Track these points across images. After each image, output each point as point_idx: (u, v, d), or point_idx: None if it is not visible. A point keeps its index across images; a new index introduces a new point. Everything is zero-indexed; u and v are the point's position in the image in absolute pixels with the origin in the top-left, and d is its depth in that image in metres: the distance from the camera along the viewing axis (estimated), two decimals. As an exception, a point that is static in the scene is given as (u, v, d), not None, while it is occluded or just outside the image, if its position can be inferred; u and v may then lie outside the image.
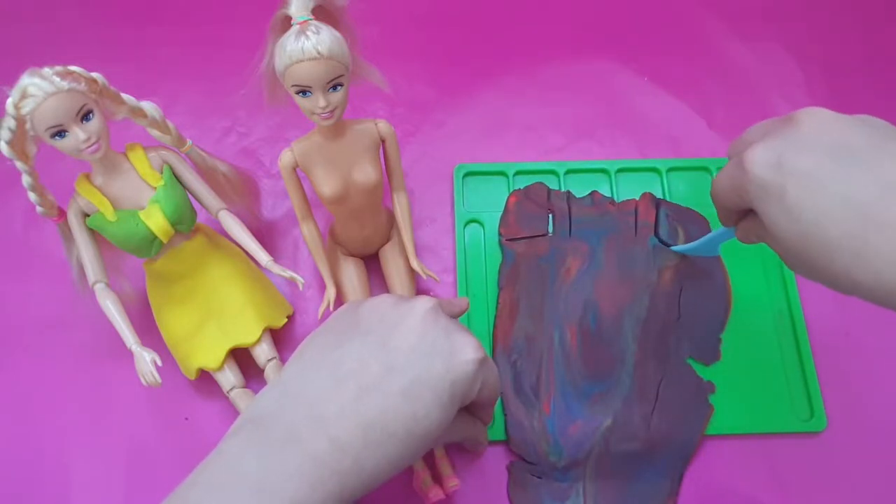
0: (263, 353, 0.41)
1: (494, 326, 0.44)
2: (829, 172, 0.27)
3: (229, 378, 0.41)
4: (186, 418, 0.43)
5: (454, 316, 0.38)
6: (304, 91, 0.33)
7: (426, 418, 0.29)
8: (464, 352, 0.30)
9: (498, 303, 0.45)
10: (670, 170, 0.50)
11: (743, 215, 0.32)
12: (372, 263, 0.46)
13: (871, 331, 0.44)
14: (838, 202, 0.26)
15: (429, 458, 0.40)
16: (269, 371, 0.41)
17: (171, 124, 0.39)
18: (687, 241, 0.46)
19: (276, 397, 0.30)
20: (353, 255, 0.45)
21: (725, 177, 0.31)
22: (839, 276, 0.27)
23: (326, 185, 0.38)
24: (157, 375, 0.36)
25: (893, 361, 0.44)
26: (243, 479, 0.27)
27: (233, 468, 0.27)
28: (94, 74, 0.34)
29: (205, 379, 0.42)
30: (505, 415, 0.41)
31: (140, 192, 0.38)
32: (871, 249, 0.26)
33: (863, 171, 0.27)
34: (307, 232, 0.41)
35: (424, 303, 0.32)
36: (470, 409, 0.35)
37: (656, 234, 0.46)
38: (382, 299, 0.33)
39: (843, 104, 0.53)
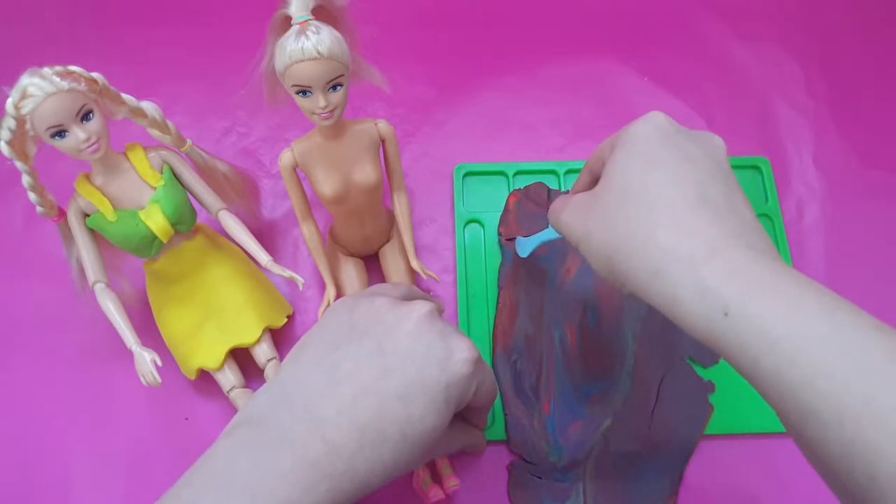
0: (263, 353, 0.41)
1: (494, 326, 0.44)
2: (699, 169, 0.29)
3: (229, 378, 0.41)
4: (186, 418, 0.43)
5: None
6: (304, 91, 0.33)
7: (420, 421, 0.29)
8: (459, 355, 0.30)
9: (498, 303, 0.45)
10: (670, 170, 0.50)
11: (591, 185, 0.33)
12: (372, 263, 0.46)
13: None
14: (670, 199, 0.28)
15: (429, 458, 0.40)
16: (269, 371, 0.41)
17: (171, 124, 0.39)
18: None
19: (272, 399, 0.30)
20: (353, 255, 0.45)
21: (613, 136, 0.32)
22: (628, 270, 0.28)
23: (326, 185, 0.38)
24: (157, 375, 0.36)
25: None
26: (236, 481, 0.27)
27: (226, 469, 0.27)
28: (94, 74, 0.34)
29: (205, 379, 0.42)
30: (505, 414, 0.41)
31: (140, 192, 0.38)
32: (652, 242, 0.27)
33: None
34: (307, 232, 0.41)
35: (421, 306, 0.32)
36: (464, 414, 0.35)
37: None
38: (379, 301, 0.33)
39: (844, 104, 0.53)
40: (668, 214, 0.27)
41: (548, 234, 0.38)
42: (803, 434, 0.23)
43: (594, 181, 0.32)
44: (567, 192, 0.48)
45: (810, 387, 0.22)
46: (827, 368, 0.22)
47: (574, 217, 0.32)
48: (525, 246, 0.42)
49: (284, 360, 0.32)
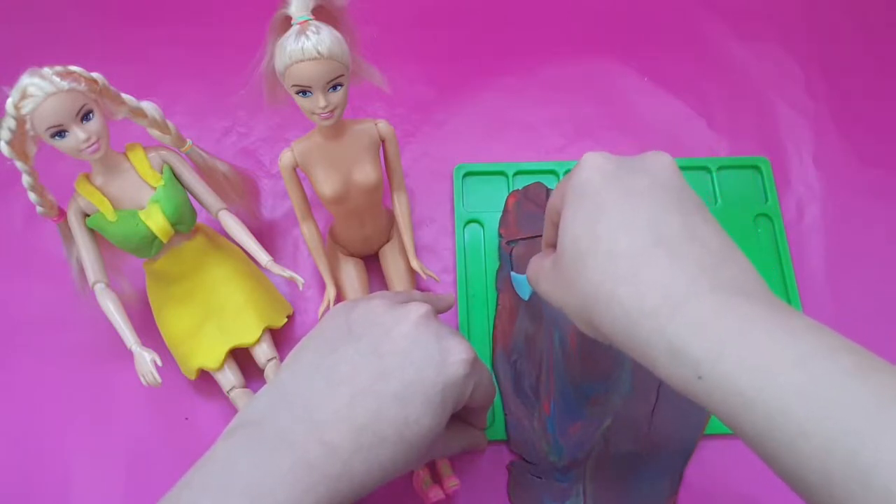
0: (263, 353, 0.41)
1: (494, 327, 0.44)
2: (648, 203, 0.27)
3: (229, 378, 0.41)
4: (186, 418, 0.43)
5: (441, 311, 0.38)
6: (304, 91, 0.33)
7: (417, 423, 0.29)
8: (455, 356, 0.31)
9: (497, 304, 0.45)
10: (670, 170, 0.50)
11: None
12: (372, 263, 0.46)
13: (870, 333, 0.44)
14: (631, 238, 0.26)
15: (429, 458, 0.40)
16: (269, 371, 0.41)
17: (171, 124, 0.39)
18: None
19: (270, 401, 0.30)
20: (353, 255, 0.45)
21: (563, 179, 0.31)
22: (592, 315, 0.27)
23: (326, 185, 0.38)
24: (157, 375, 0.36)
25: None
26: (236, 482, 0.27)
27: (226, 470, 0.27)
28: (94, 74, 0.34)
29: (205, 379, 0.42)
30: (505, 414, 0.41)
31: (140, 192, 0.38)
32: (615, 301, 0.25)
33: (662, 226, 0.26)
34: (307, 232, 0.41)
35: (417, 308, 0.32)
36: (462, 414, 0.35)
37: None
38: (376, 303, 0.33)
39: (844, 104, 0.53)
40: (625, 266, 0.26)
41: None
42: (796, 490, 0.22)
43: (555, 230, 0.30)
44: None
45: (792, 449, 0.21)
46: (807, 428, 0.20)
47: (548, 286, 0.31)
48: (521, 285, 0.40)
49: (284, 363, 0.33)
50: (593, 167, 0.28)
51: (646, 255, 0.25)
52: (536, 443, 0.40)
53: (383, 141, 0.39)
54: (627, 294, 0.25)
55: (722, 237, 0.27)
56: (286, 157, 0.38)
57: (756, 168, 0.50)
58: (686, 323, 0.24)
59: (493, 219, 0.48)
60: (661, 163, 0.29)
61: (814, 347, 0.22)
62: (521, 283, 0.40)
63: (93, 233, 0.38)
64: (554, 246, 0.32)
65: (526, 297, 0.40)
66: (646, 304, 0.25)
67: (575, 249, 0.27)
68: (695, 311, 0.24)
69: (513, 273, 0.42)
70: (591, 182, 0.28)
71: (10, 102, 0.32)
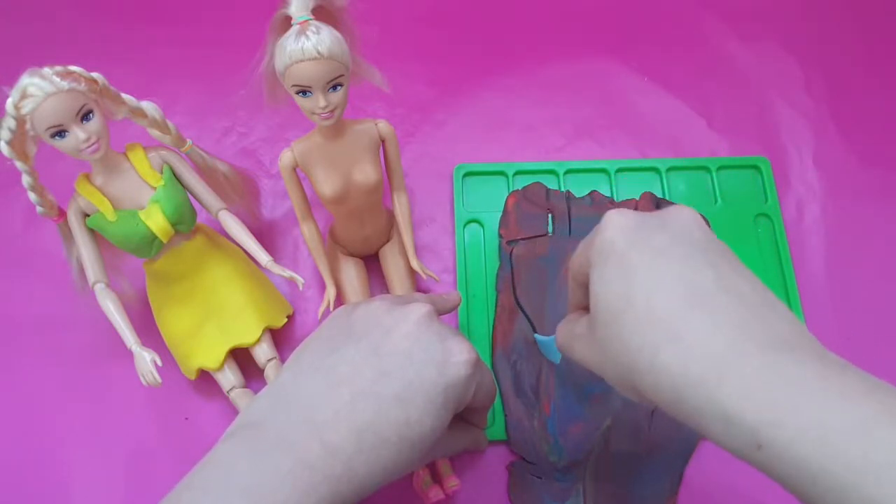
0: (263, 353, 0.41)
1: (494, 328, 0.44)
2: (676, 260, 0.26)
3: (229, 378, 0.41)
4: (186, 418, 0.43)
5: (448, 311, 0.38)
6: (304, 91, 0.33)
7: (419, 423, 0.29)
8: (457, 357, 0.30)
9: (497, 304, 0.45)
10: (670, 169, 0.50)
11: (586, 297, 0.30)
12: (372, 263, 0.46)
13: (871, 336, 0.45)
14: (669, 294, 0.25)
15: (429, 458, 0.40)
16: (269, 371, 0.41)
17: (171, 124, 0.39)
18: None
19: (270, 402, 0.30)
20: (353, 255, 0.45)
21: (585, 240, 0.30)
22: (626, 369, 0.26)
23: (326, 185, 0.38)
24: (157, 375, 0.36)
25: (894, 366, 0.44)
26: (236, 484, 0.27)
27: (226, 472, 0.27)
28: (94, 74, 0.34)
29: (205, 379, 0.42)
30: (505, 415, 0.41)
31: (140, 192, 0.38)
32: (658, 368, 0.24)
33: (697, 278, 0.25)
34: (307, 232, 0.41)
35: (418, 308, 0.32)
36: (464, 414, 0.35)
37: (656, 234, 0.46)
38: (377, 304, 0.33)
39: (844, 104, 0.53)
40: (663, 330, 0.24)
41: None
42: None
43: (584, 292, 0.30)
44: (567, 192, 0.48)
45: None
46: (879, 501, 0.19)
47: (584, 352, 0.30)
48: (549, 348, 0.39)
49: (285, 364, 0.33)
50: (615, 227, 0.28)
51: (683, 316, 0.24)
52: (536, 443, 0.40)
53: (383, 141, 0.39)
54: (670, 360, 0.24)
55: (756, 285, 0.26)
56: (286, 157, 0.38)
57: (756, 168, 0.50)
58: (736, 390, 0.22)
59: (493, 219, 0.48)
60: (682, 218, 0.28)
61: (875, 412, 0.21)
62: (549, 346, 0.38)
63: (93, 233, 0.38)
64: (581, 308, 0.31)
65: (556, 361, 0.39)
66: (691, 371, 0.23)
67: (609, 313, 0.26)
68: (744, 376, 0.23)
69: (538, 336, 0.40)
70: (614, 243, 0.27)
71: (10, 102, 0.32)
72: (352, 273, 0.44)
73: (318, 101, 0.34)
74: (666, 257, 0.26)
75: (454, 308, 0.39)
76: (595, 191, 0.48)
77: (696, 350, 0.24)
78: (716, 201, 0.49)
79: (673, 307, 0.25)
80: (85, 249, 0.38)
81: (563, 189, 0.49)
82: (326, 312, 0.40)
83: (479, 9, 0.58)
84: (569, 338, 0.32)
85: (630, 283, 0.26)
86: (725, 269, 0.26)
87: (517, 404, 0.42)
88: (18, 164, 0.34)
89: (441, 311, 0.37)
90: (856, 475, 0.20)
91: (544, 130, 0.53)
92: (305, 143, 0.38)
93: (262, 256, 0.39)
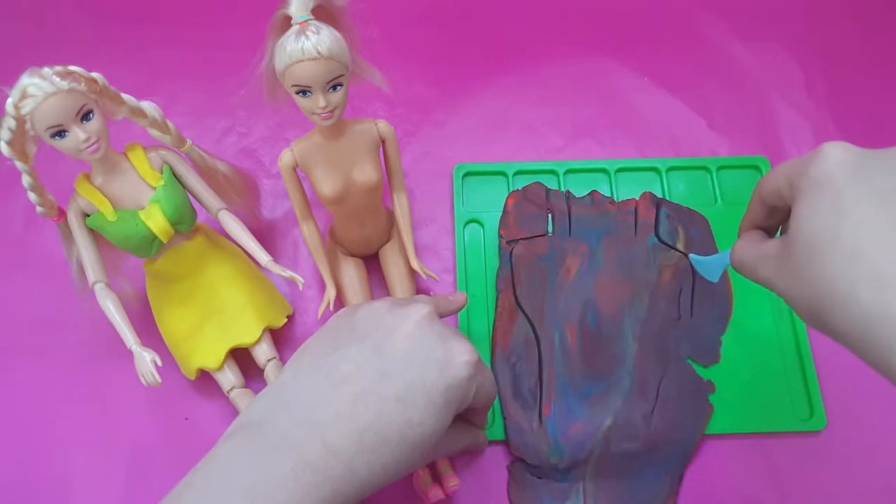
0: (263, 353, 0.41)
1: (494, 328, 0.44)
2: (891, 205, 0.25)
3: (229, 378, 0.41)
4: (186, 418, 0.43)
5: (453, 312, 0.38)
6: (304, 91, 0.33)
7: (420, 424, 0.29)
8: (458, 358, 0.30)
9: (497, 305, 0.45)
10: (670, 169, 0.50)
11: (769, 217, 0.31)
12: (372, 263, 0.46)
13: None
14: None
15: (429, 458, 0.40)
16: (269, 371, 0.41)
17: (171, 124, 0.39)
18: (686, 241, 0.46)
19: (271, 402, 0.30)
20: (353, 255, 0.45)
21: (786, 164, 0.29)
22: (849, 304, 0.25)
23: (326, 185, 0.38)
24: (157, 375, 0.36)
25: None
26: (237, 483, 0.27)
27: (227, 472, 0.27)
28: (94, 74, 0.34)
29: (205, 379, 0.42)
30: (504, 418, 0.41)
31: (140, 192, 0.38)
32: (853, 300, 0.24)
33: None
34: (307, 232, 0.41)
35: (420, 308, 0.32)
36: (465, 415, 0.35)
37: (656, 233, 0.46)
38: (379, 304, 0.33)
39: (843, 104, 0.53)
40: (867, 268, 0.24)
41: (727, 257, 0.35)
42: None
43: (768, 213, 0.30)
44: (567, 192, 0.48)
45: None
46: None
47: (770, 273, 0.29)
48: (710, 267, 0.38)
49: (286, 364, 0.33)
50: (836, 161, 0.27)
51: (891, 260, 0.24)
52: (536, 445, 0.40)
53: (383, 141, 0.39)
54: (868, 295, 0.24)
55: None
56: (286, 157, 0.38)
57: (756, 168, 0.50)
58: None
59: (492, 219, 0.48)
60: None
61: None
62: (708, 265, 0.38)
63: (93, 233, 0.38)
64: (761, 228, 0.32)
65: (715, 280, 0.38)
66: (890, 307, 0.23)
67: (813, 243, 0.26)
68: None
69: (693, 255, 0.39)
70: (832, 176, 0.27)
71: (10, 102, 0.32)
72: (352, 273, 0.44)
73: (317, 101, 0.34)
74: (883, 202, 0.25)
75: (460, 309, 0.39)
76: (595, 191, 0.48)
77: None
78: (716, 201, 0.49)
79: (881, 250, 0.24)
80: (85, 249, 0.38)
81: (563, 189, 0.49)
82: (327, 312, 0.40)
83: (479, 9, 0.58)
84: (754, 257, 0.31)
85: (841, 220, 0.25)
86: None
87: (516, 408, 0.41)
88: (18, 164, 0.34)
89: (447, 312, 0.37)
90: None
91: (544, 130, 0.53)
92: (305, 143, 0.38)
93: (262, 256, 0.39)
